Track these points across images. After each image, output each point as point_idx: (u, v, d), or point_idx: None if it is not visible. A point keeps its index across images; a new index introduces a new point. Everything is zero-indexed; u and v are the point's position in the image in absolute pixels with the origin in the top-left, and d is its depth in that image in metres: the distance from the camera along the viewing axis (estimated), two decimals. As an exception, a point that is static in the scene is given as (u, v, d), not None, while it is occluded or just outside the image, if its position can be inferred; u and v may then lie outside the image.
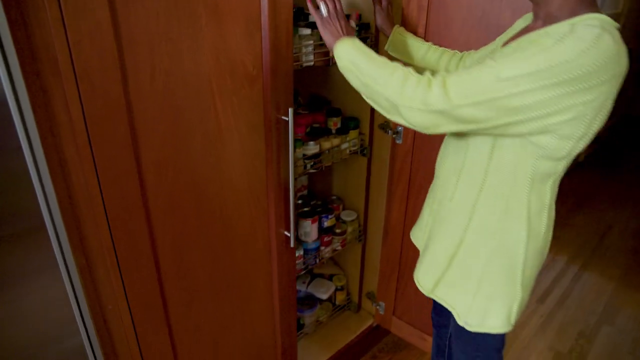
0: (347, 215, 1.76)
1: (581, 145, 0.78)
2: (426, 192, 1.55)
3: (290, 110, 1.11)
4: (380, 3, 1.33)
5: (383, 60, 0.88)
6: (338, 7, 1.02)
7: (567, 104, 0.72)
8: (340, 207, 1.79)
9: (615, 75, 0.72)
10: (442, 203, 0.96)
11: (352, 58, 0.89)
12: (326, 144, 1.51)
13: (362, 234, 1.81)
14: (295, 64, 1.25)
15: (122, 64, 0.82)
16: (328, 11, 0.99)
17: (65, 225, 0.78)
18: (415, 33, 1.37)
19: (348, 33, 1.00)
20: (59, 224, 0.77)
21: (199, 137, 0.98)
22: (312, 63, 1.28)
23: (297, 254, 1.58)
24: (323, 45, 1.31)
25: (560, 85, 0.71)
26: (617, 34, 0.73)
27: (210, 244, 1.09)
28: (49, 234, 0.75)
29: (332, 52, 0.95)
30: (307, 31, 1.27)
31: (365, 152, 1.64)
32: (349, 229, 1.75)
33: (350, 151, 1.60)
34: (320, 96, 1.75)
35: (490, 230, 0.87)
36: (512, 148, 0.82)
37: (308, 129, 1.55)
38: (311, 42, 1.26)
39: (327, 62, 1.34)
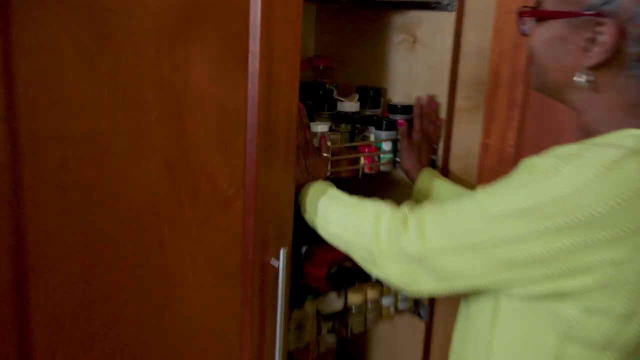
0: None
1: (633, 329, 0.74)
2: None
3: (284, 252, 1.01)
4: (409, 136, 1.35)
5: (353, 201, 0.98)
6: (308, 136, 1.13)
7: (582, 262, 0.70)
8: None
9: None
10: None
11: (316, 208, 1.04)
12: (356, 297, 1.43)
13: None
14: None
15: (14, 175, 0.77)
16: (297, 145, 1.06)
17: None
18: (502, 136, 1.27)
19: (313, 174, 1.10)
20: None
21: (132, 287, 0.91)
22: (329, 174, 1.24)
23: None
24: (351, 148, 1.34)
25: (562, 231, 0.69)
26: None
27: None
28: None
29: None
30: (324, 127, 1.26)
31: (422, 311, 1.57)
32: None
33: (396, 309, 1.53)
34: None
35: None
36: (521, 317, 0.80)
37: (333, 270, 1.46)
38: (329, 142, 1.24)
39: (354, 173, 1.32)
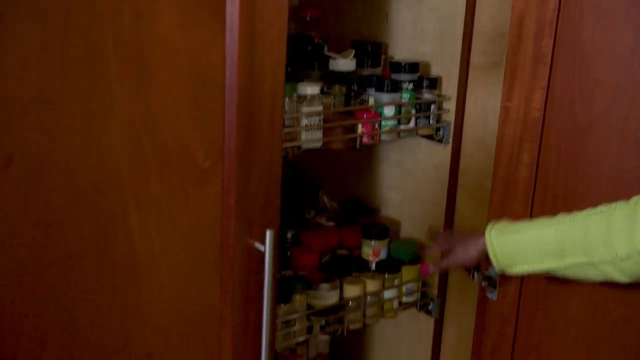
0: None
1: None
2: None
3: (270, 235, 1.04)
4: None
5: (555, 221, 1.12)
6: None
7: None
8: None
9: None
10: None
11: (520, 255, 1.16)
12: (354, 289, 1.47)
13: None
14: (289, 144, 1.26)
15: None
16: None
17: None
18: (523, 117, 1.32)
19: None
20: None
21: (92, 275, 0.94)
22: (319, 144, 1.27)
23: None
24: (347, 114, 1.36)
25: None
26: None
27: None
28: None
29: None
30: (314, 89, 1.27)
31: (430, 307, 1.61)
32: None
33: (401, 304, 1.57)
34: (359, 199, 1.78)
35: None
36: None
37: (326, 258, 1.52)
38: (319, 107, 1.26)
39: (351, 144, 1.34)
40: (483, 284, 1.46)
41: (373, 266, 1.54)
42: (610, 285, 1.19)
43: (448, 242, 1.37)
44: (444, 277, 1.59)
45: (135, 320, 1.00)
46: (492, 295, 1.45)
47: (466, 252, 1.32)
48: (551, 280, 1.32)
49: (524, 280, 1.41)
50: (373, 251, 1.55)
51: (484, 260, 1.30)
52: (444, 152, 1.51)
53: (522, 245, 1.15)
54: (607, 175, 1.21)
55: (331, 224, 1.64)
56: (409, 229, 1.66)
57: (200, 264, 1.05)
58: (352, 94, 1.42)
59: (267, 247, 1.05)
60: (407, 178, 1.63)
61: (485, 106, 1.43)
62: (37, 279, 0.89)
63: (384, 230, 1.57)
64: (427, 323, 1.63)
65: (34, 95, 0.83)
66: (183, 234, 1.01)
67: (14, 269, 0.87)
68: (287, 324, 1.31)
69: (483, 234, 1.26)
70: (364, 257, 1.56)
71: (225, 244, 1.05)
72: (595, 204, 1.18)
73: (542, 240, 1.13)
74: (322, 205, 1.74)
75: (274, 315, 1.11)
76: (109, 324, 0.98)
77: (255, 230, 1.07)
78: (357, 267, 1.52)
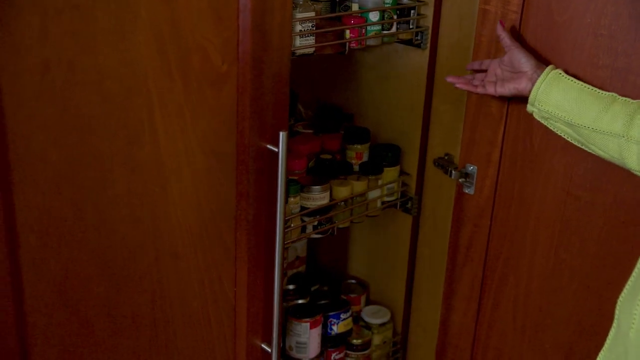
0: (374, 315, 1.74)
1: None
2: (515, 284, 1.50)
3: (283, 136, 1.09)
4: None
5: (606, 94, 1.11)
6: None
7: None
8: (362, 299, 1.77)
9: None
10: None
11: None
12: (342, 191, 1.50)
13: (400, 349, 1.77)
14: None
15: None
16: None
17: None
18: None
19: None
20: None
21: (121, 173, 0.98)
22: (312, 50, 1.29)
23: (283, 380, 1.54)
24: (334, 19, 1.35)
25: None
26: None
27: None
28: None
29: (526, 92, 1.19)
30: None
31: (409, 205, 1.65)
32: (376, 339, 1.72)
33: (383, 203, 1.60)
34: (336, 106, 1.76)
35: None
36: None
37: (312, 163, 1.54)
38: (312, 13, 1.27)
39: (340, 48, 1.35)
40: (461, 180, 1.51)
41: (357, 168, 1.57)
42: (582, 173, 1.27)
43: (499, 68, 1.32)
44: (421, 177, 1.64)
45: (163, 221, 1.05)
46: (469, 190, 1.51)
47: (518, 80, 1.25)
48: (526, 172, 1.39)
49: (500, 175, 1.49)
50: (356, 154, 1.56)
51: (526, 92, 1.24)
52: (421, 57, 1.54)
53: (571, 95, 1.15)
54: (583, 72, 1.25)
55: (309, 131, 1.64)
56: (386, 133, 1.67)
57: (219, 167, 1.09)
58: (337, 0, 1.43)
59: (280, 148, 1.10)
60: (384, 84, 1.65)
61: (460, 11, 1.47)
62: (74, 183, 0.93)
63: (365, 133, 1.58)
64: (405, 220, 1.67)
65: (65, 1, 0.85)
66: (202, 136, 1.05)
67: (52, 174, 0.91)
68: (286, 224, 1.36)
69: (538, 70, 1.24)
70: (348, 160, 1.57)
71: (241, 145, 1.10)
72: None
73: (589, 98, 1.14)
74: (298, 113, 1.73)
75: (285, 215, 1.17)
76: (141, 225, 1.03)
77: (268, 131, 1.11)
78: (342, 170, 1.54)
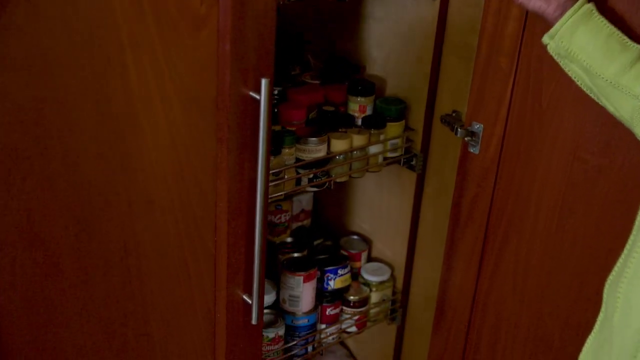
0: (374, 272, 1.76)
1: None
2: (517, 247, 1.50)
3: (265, 83, 1.07)
4: None
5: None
6: None
7: None
8: (364, 255, 1.80)
9: None
10: None
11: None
12: (341, 144, 1.51)
13: (399, 308, 1.80)
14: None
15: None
16: None
17: None
18: None
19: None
20: None
21: (92, 121, 0.97)
22: None
23: (275, 335, 1.59)
24: None
25: None
26: None
27: (103, 317, 1.11)
28: None
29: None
30: None
31: (414, 162, 1.66)
32: (374, 297, 1.74)
33: (386, 159, 1.61)
34: (346, 58, 1.76)
35: None
36: None
37: (312, 114, 1.54)
38: None
39: None
40: (466, 138, 1.51)
41: (359, 122, 1.57)
42: (591, 136, 1.24)
43: None
44: (427, 133, 1.64)
45: (135, 165, 1.05)
46: (474, 150, 1.51)
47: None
48: (533, 132, 1.37)
49: (506, 135, 1.46)
50: (359, 107, 1.57)
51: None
52: (432, 7, 1.51)
53: (599, 38, 1.05)
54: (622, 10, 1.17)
55: (316, 82, 1.64)
56: (393, 87, 1.67)
57: (197, 112, 1.08)
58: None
59: (262, 96, 1.08)
60: (393, 35, 1.63)
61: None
62: (38, 120, 0.92)
63: (370, 86, 1.58)
64: (409, 177, 1.68)
65: None
66: (179, 80, 1.04)
67: (16, 112, 0.90)
68: (277, 175, 1.36)
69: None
70: (350, 112, 1.58)
71: (221, 92, 1.08)
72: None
73: (617, 47, 1.04)
74: (306, 63, 1.73)
75: (267, 165, 1.16)
76: (111, 169, 1.02)
77: (250, 78, 1.09)
78: (343, 122, 1.54)
